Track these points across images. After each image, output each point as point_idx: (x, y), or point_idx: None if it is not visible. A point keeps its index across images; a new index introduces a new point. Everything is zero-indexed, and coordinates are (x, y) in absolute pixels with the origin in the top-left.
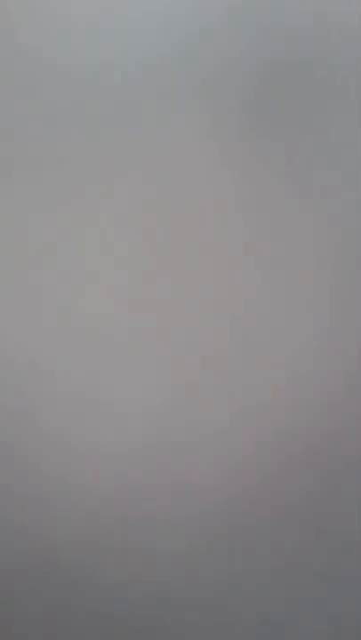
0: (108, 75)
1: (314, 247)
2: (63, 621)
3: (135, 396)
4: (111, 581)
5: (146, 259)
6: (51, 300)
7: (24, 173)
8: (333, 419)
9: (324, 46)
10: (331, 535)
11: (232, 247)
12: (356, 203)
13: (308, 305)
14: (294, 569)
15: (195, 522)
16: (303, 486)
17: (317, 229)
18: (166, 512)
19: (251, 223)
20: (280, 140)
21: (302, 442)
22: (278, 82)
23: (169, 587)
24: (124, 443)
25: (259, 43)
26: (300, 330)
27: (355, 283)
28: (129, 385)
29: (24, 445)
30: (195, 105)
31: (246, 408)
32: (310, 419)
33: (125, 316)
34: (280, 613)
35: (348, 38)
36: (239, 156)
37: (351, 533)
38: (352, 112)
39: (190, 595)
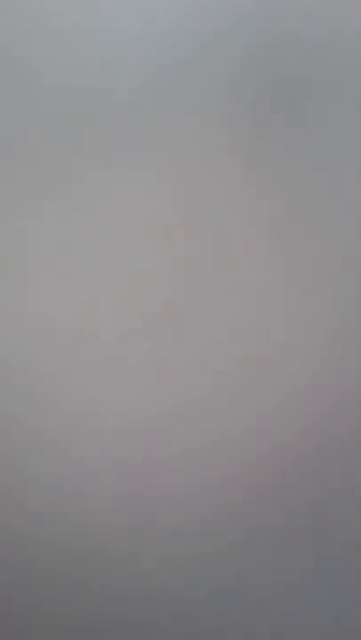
0: (109, 80)
1: (316, 251)
2: (62, 627)
3: (134, 403)
4: (110, 588)
5: (146, 265)
6: (50, 306)
7: (24, 176)
8: (334, 430)
9: (326, 47)
10: (331, 544)
11: (233, 251)
12: (357, 203)
13: (309, 312)
14: (294, 577)
15: (194, 529)
16: (303, 496)
17: (318, 230)
18: (166, 519)
19: (252, 225)
20: (281, 141)
21: (302, 452)
22: (280, 83)
23: (168, 593)
24: (123, 450)
25: (260, 44)
26: (300, 337)
27: (356, 287)
28: (128, 393)
29: (22, 452)
30: (196, 110)
31: (247, 416)
32: (310, 429)
33: (125, 324)
34: (280, 618)
35: (351, 40)
36: (241, 158)
37: (351, 543)
38: (354, 112)
39: (190, 601)
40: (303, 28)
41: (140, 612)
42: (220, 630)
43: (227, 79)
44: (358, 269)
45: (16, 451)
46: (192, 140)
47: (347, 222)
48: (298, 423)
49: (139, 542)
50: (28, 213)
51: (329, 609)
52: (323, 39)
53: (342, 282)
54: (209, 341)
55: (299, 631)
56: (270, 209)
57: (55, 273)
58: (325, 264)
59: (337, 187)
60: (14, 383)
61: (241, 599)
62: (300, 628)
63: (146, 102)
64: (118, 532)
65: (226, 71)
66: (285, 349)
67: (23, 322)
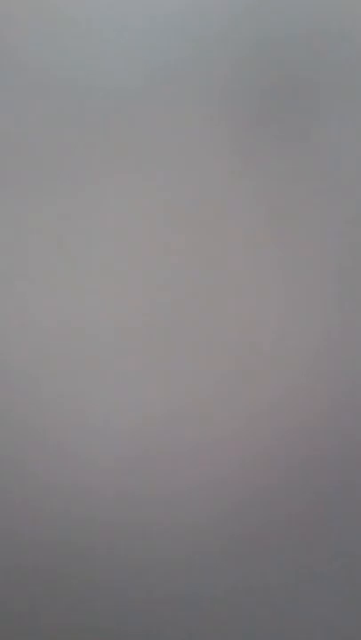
0: (109, 77)
1: (316, 248)
2: (62, 626)
3: (134, 403)
4: (110, 586)
5: (146, 264)
6: (51, 307)
7: (24, 176)
8: (334, 429)
9: (326, 44)
10: (331, 544)
11: (234, 250)
12: (357, 200)
13: (310, 306)
14: (294, 577)
15: (195, 529)
16: (302, 497)
17: (318, 227)
18: (166, 518)
19: (252, 223)
20: (281, 140)
21: (302, 452)
22: (280, 81)
23: (168, 592)
24: (124, 449)
25: (259, 47)
26: (300, 337)
27: (357, 285)
28: (128, 393)
29: (23, 452)
30: (196, 107)
31: (247, 416)
32: (310, 429)
33: (125, 324)
34: (279, 618)
35: (352, 37)
36: (241, 156)
37: (351, 543)
38: (355, 109)
39: (190, 600)
40: (304, 25)
41: (141, 611)
42: (219, 630)
43: (227, 77)
44: (359, 268)
45: (16, 451)
46: (193, 137)
47: (347, 219)
48: (298, 423)
49: (139, 541)
50: (27, 213)
51: (328, 610)
52: (324, 37)
53: (342, 279)
54: (209, 341)
55: (298, 632)
56: (271, 207)
57: (55, 273)
58: (326, 262)
59: (338, 185)
60: (15, 383)
61: (241, 599)
62: (299, 629)
63: (147, 99)
64: (118, 531)
65: (226, 69)
66: (285, 349)
67: (24, 322)
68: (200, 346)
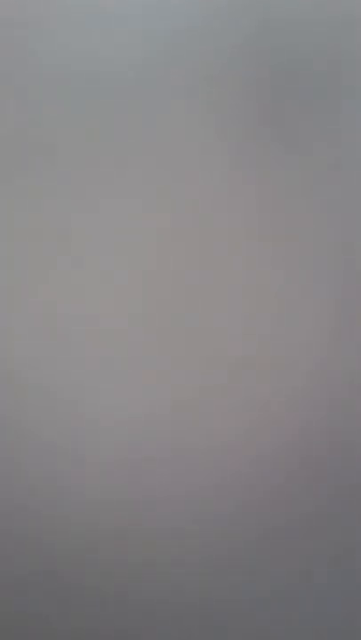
0: (107, 73)
1: (318, 249)
2: (60, 629)
3: (133, 404)
4: (108, 589)
5: (145, 265)
6: (50, 308)
7: (24, 175)
8: (335, 431)
9: (326, 37)
10: (332, 548)
11: (233, 249)
12: (357, 198)
13: (309, 309)
14: (294, 578)
15: (194, 531)
16: (303, 498)
17: (318, 232)
18: (165, 520)
19: (252, 222)
20: (281, 138)
21: (302, 453)
22: (279, 76)
23: (167, 595)
24: (122, 452)
25: (259, 36)
26: (300, 338)
27: (356, 286)
28: (127, 394)
29: (21, 453)
30: (195, 102)
31: (247, 417)
32: (311, 429)
33: (124, 325)
34: (279, 622)
35: (350, 28)
36: (241, 154)
37: (353, 548)
38: (353, 102)
39: (188, 602)
40: (303, 16)
41: (138, 614)
42: (220, 635)
43: (226, 72)
44: (359, 268)
45: (15, 452)
46: (192, 135)
47: (349, 216)
48: (298, 424)
49: (137, 543)
50: (27, 212)
51: (328, 614)
52: (325, 27)
53: (343, 281)
54: (209, 342)
55: (298, 637)
56: (272, 205)
57: (55, 273)
58: (326, 264)
59: (339, 184)
60: (13, 384)
61: (240, 601)
62: (299, 633)
63: (145, 95)
64: (117, 534)
65: (226, 65)
66: (285, 350)
67: (23, 322)
68: (200, 348)
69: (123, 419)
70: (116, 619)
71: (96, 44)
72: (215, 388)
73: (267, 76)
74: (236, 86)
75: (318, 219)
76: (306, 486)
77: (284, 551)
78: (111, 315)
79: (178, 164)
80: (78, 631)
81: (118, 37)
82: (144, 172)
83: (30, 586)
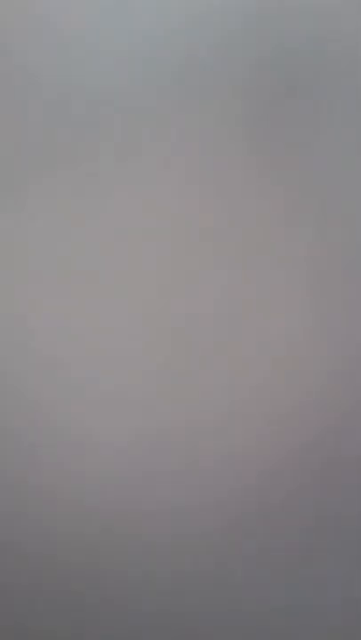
0: (107, 74)
1: (315, 249)
2: (61, 619)
3: (134, 417)
4: (109, 603)
5: (144, 263)
6: (50, 320)
7: (23, 174)
8: (337, 445)
9: (326, 43)
10: (333, 560)
11: (236, 253)
12: (357, 198)
13: (307, 300)
14: (295, 591)
15: (194, 544)
16: (304, 513)
17: (318, 233)
18: (166, 534)
19: (256, 219)
20: (280, 138)
21: (305, 467)
22: (278, 79)
23: (167, 608)
24: (123, 465)
25: (259, 37)
26: (306, 352)
27: (354, 283)
28: (128, 407)
29: (21, 466)
30: (195, 106)
31: (248, 431)
32: (314, 444)
33: (125, 338)
34: (280, 634)
35: (350, 35)
36: (239, 157)
37: (354, 559)
38: (353, 107)
39: (189, 616)
40: (304, 24)
41: (139, 626)
42: (217, 626)
43: (224, 76)
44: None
45: (15, 465)
46: (192, 138)
47: (348, 221)
48: (300, 438)
49: (138, 557)
50: (27, 215)
51: (330, 625)
52: (325, 34)
53: (350, 285)
54: (210, 356)
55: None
56: (270, 209)
57: (55, 281)
58: (331, 264)
59: (338, 185)
60: (13, 397)
61: (240, 614)
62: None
63: (145, 97)
64: (118, 547)
65: (224, 69)
66: (290, 364)
67: (22, 335)
68: (203, 359)
69: (123, 432)
70: (116, 632)
71: (97, 54)
72: (216, 404)
73: (267, 77)
74: (236, 87)
75: (319, 225)
76: (306, 500)
77: (285, 563)
78: (113, 325)
79: (178, 165)
80: (79, 619)
81: (119, 38)
82: (144, 172)
83: (29, 599)
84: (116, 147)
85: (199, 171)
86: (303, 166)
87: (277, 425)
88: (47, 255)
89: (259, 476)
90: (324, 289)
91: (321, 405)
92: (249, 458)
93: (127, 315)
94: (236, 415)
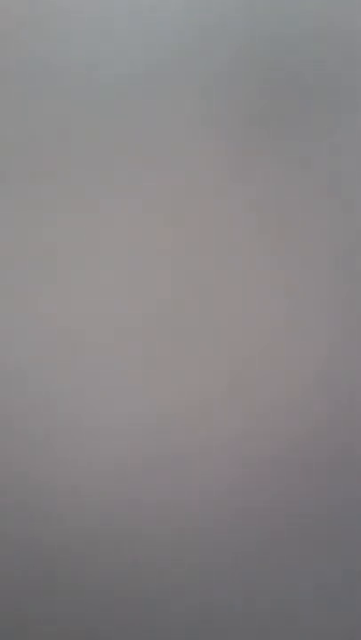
0: (107, 74)
1: (317, 253)
2: (60, 631)
3: (133, 406)
4: (108, 592)
5: (145, 264)
6: (50, 308)
7: (23, 174)
8: (335, 439)
9: (325, 43)
10: (332, 554)
11: (234, 251)
12: (357, 198)
13: (310, 316)
14: (294, 582)
15: (194, 533)
16: (305, 501)
17: (318, 229)
18: (165, 522)
19: (251, 223)
20: (280, 138)
21: (305, 455)
22: (278, 79)
23: (166, 598)
24: (122, 453)
25: (259, 38)
26: (302, 340)
27: (358, 289)
28: (127, 395)
29: (20, 455)
30: (195, 104)
31: (248, 419)
32: (313, 433)
33: (124, 326)
34: (279, 628)
35: (349, 37)
36: (239, 156)
37: (354, 556)
38: (354, 109)
39: (187, 607)
40: (303, 23)
41: (138, 617)
42: (218, 638)
43: (225, 75)
44: (359, 271)
45: (14, 453)
46: (191, 136)
47: (348, 222)
48: (301, 426)
49: (137, 546)
50: (27, 215)
51: (330, 623)
52: (324, 34)
53: (343, 284)
54: (209, 344)
55: None
56: (270, 209)
57: (54, 275)
58: (326, 267)
59: (338, 186)
60: (12, 385)
61: (239, 606)
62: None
63: (145, 96)
64: (117, 536)
65: (225, 68)
66: (286, 352)
67: (22, 324)
68: (200, 350)
69: (122, 424)
70: (116, 624)
71: (95, 49)
72: (216, 393)
73: (266, 85)
74: (235, 92)
75: (320, 220)
76: (306, 493)
77: (284, 557)
78: (111, 316)
79: (177, 166)
80: (78, 632)
81: (118, 38)
82: (143, 174)
83: (29, 592)
84: (116, 147)
85: (198, 173)
86: (302, 166)
87: (278, 410)
88: (48, 248)
89: (258, 460)
90: (320, 275)
91: (322, 391)
92: (249, 443)
93: (124, 301)
94: (238, 404)
